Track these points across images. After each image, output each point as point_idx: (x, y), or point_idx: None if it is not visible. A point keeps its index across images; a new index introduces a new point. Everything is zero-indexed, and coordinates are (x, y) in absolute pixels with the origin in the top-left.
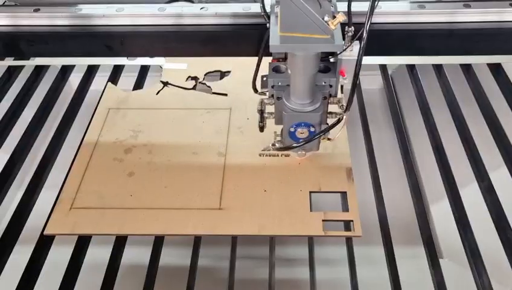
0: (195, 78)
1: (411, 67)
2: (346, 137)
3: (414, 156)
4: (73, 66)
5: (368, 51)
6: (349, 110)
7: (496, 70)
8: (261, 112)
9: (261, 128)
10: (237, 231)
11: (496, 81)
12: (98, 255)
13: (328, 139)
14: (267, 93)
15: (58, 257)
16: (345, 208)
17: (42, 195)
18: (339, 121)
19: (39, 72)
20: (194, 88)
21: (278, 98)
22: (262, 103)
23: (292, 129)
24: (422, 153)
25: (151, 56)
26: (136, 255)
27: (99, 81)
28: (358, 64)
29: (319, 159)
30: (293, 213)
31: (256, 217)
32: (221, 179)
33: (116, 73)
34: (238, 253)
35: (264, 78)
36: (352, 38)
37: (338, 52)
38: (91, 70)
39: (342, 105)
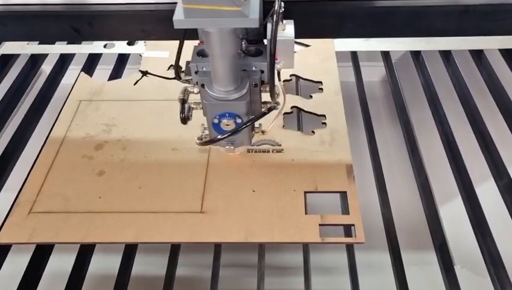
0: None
1: (416, 55)
2: (345, 130)
3: (421, 152)
4: (46, 54)
5: (366, 32)
6: (276, 98)
7: (510, 56)
8: (183, 101)
9: (183, 120)
10: (221, 238)
11: (511, 69)
12: (60, 264)
13: (262, 132)
14: (192, 81)
15: (14, 267)
16: (345, 211)
17: (0, 197)
18: (269, 110)
19: (6, 61)
20: (176, 79)
21: (203, 86)
22: (185, 91)
23: (216, 120)
24: (430, 148)
25: (125, 39)
26: (104, 263)
27: (74, 73)
28: (273, 42)
29: (314, 155)
30: (286, 217)
31: (243, 221)
32: (204, 179)
33: (91, 63)
34: (222, 261)
35: (188, 64)
36: (274, 14)
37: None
38: (64, 60)
39: (277, 94)
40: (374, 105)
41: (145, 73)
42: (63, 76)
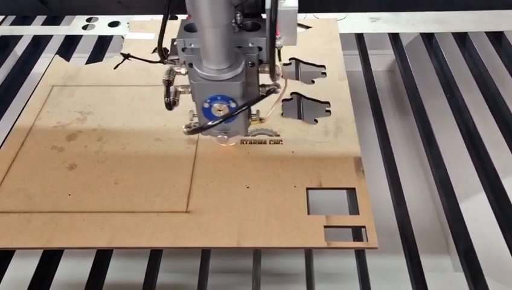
0: (164, 50)
1: (429, 38)
2: (352, 118)
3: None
4: (19, 37)
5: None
6: (277, 79)
7: None
8: (168, 82)
9: (169, 106)
10: (209, 242)
11: None
12: (21, 271)
13: (260, 120)
14: (179, 60)
15: None
16: (354, 210)
17: None
18: (268, 93)
19: None
20: (162, 61)
21: (191, 65)
22: (171, 71)
23: (206, 105)
24: (446, 139)
25: (99, 14)
26: (72, 269)
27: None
28: (273, 11)
29: (318, 147)
30: (285, 217)
31: (236, 223)
32: (191, 173)
33: (68, 46)
34: (211, 266)
35: (175, 42)
36: None
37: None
38: (38, 43)
39: (278, 74)
40: (379, 96)
41: (126, 56)
42: (36, 60)
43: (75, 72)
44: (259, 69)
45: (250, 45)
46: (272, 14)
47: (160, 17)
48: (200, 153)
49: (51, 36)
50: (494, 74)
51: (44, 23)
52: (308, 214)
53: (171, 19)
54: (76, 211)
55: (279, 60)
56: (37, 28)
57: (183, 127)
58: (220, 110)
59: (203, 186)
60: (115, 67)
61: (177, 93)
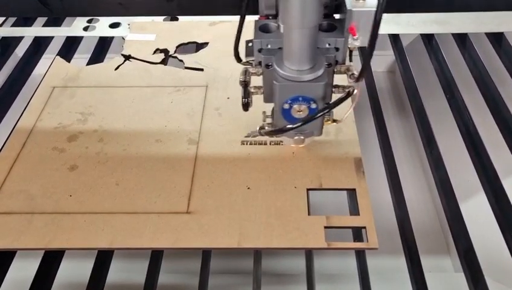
0: (164, 51)
1: (428, 38)
2: (352, 119)
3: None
4: (20, 38)
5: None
6: (361, 80)
7: None
8: (245, 84)
9: (245, 106)
10: (210, 243)
11: None
12: (22, 271)
13: (334, 121)
14: (254, 62)
15: None
16: (354, 211)
17: None
18: (348, 95)
19: None
20: (162, 62)
21: (267, 66)
22: (246, 72)
23: (286, 106)
24: (446, 140)
25: (100, 15)
26: (74, 269)
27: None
28: (379, 11)
29: (318, 147)
30: (286, 218)
31: (236, 223)
32: (191, 174)
33: (69, 48)
34: (211, 267)
35: (250, 44)
36: None
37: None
38: (39, 44)
39: (353, 74)
40: (379, 97)
41: (127, 57)
42: (37, 61)
43: (76, 73)
44: (335, 70)
45: (327, 45)
46: (378, 14)
47: (161, 18)
48: (200, 154)
49: (52, 37)
50: (494, 74)
51: (45, 25)
52: (309, 214)
53: (171, 20)
54: (77, 212)
55: (350, 60)
56: (38, 29)
57: (258, 128)
58: (299, 111)
59: (203, 187)
60: (116, 69)
61: (249, 94)
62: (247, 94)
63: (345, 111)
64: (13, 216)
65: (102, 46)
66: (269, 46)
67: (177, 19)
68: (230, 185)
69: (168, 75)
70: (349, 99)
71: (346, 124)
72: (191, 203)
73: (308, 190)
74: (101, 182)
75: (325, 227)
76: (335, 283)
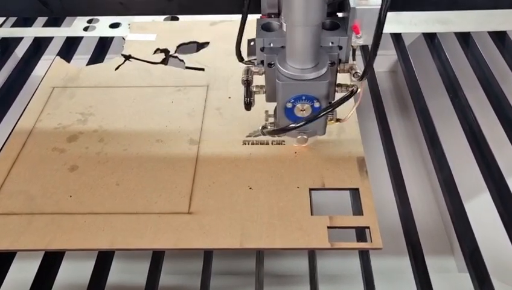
0: (165, 51)
1: (431, 38)
2: (355, 118)
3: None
4: (20, 38)
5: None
6: (365, 79)
7: None
8: (247, 82)
9: (248, 106)
10: (212, 244)
11: None
12: (22, 273)
13: (338, 120)
14: (256, 60)
15: None
16: (358, 211)
17: None
18: (351, 94)
19: None
20: (163, 62)
21: (270, 65)
22: (248, 71)
23: (289, 105)
24: (450, 139)
25: (100, 15)
26: (74, 271)
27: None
28: (384, 10)
29: (321, 147)
30: (288, 218)
31: (238, 224)
32: (193, 174)
33: (69, 48)
34: (213, 267)
35: (252, 43)
36: None
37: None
38: (39, 45)
39: (356, 73)
40: (382, 96)
41: (128, 57)
42: (37, 62)
43: (76, 74)
44: (338, 69)
45: (330, 44)
46: (382, 13)
47: (161, 18)
48: (201, 154)
49: (52, 38)
50: (497, 73)
51: (45, 25)
52: (312, 215)
53: (171, 19)
54: (77, 213)
55: (353, 59)
56: (37, 30)
57: (260, 128)
58: (302, 110)
59: (205, 187)
60: (116, 69)
61: (252, 93)
62: (249, 93)
63: (347, 110)
64: (13, 217)
65: (103, 47)
66: (272, 45)
67: (177, 19)
68: (231, 185)
69: (168, 75)
70: (352, 98)
71: (348, 123)
72: (192, 203)
73: (310, 189)
74: (101, 182)
75: (328, 227)
76: (338, 284)
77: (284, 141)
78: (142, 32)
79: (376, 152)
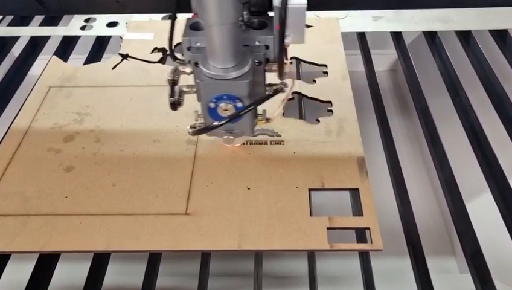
0: (162, 50)
1: (431, 36)
2: (355, 118)
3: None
4: (17, 37)
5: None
6: (285, 78)
7: None
8: (173, 82)
9: (174, 106)
10: (210, 245)
11: None
12: (17, 274)
13: (267, 120)
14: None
15: None
16: (358, 211)
17: None
18: (276, 92)
19: None
20: (160, 61)
21: (196, 64)
22: (175, 71)
23: (212, 104)
24: (450, 139)
25: (96, 13)
26: (69, 272)
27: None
28: (284, 7)
29: (320, 147)
30: (287, 219)
31: (236, 225)
32: (190, 174)
33: (66, 47)
34: (211, 269)
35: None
36: None
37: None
38: (35, 44)
39: (285, 73)
40: (382, 96)
41: (125, 56)
42: (33, 61)
43: (73, 73)
44: (266, 68)
45: (257, 43)
46: (282, 11)
47: (159, 16)
48: (199, 154)
49: (49, 37)
50: (498, 72)
51: (42, 24)
52: (311, 215)
53: (169, 18)
54: (73, 214)
55: (286, 58)
56: (34, 29)
57: (188, 127)
58: (226, 110)
59: (202, 188)
60: (113, 68)
61: (181, 93)
62: (174, 93)
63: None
64: (7, 218)
65: (100, 46)
66: (198, 44)
67: (176, 18)
68: (230, 185)
69: (166, 74)
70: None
71: (348, 123)
72: (189, 204)
73: (310, 190)
74: (97, 183)
75: (328, 228)
76: (338, 285)
77: (283, 141)
78: (139, 31)
79: (376, 152)
